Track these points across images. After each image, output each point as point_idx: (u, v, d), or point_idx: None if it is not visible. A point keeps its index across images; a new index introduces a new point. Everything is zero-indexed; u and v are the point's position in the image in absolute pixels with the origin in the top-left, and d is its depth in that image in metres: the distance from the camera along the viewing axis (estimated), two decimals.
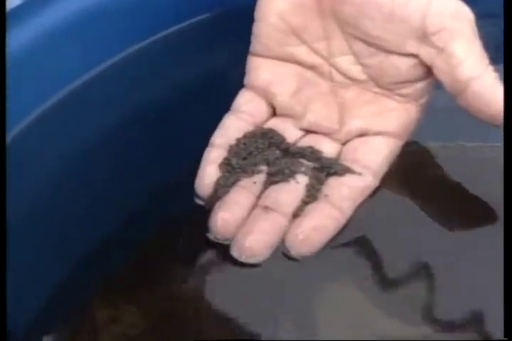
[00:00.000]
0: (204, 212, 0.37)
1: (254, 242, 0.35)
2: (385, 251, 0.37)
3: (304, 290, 0.35)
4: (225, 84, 0.45)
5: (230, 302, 0.35)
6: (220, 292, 0.36)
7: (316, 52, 0.40)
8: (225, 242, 0.36)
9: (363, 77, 0.39)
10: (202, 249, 0.37)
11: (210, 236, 0.37)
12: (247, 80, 0.41)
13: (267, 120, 0.40)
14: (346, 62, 0.39)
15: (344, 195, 0.37)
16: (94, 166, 0.41)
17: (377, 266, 0.36)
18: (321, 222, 0.36)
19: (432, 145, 0.41)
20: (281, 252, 0.36)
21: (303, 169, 0.38)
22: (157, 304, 0.35)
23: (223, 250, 0.36)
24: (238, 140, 0.39)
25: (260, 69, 0.40)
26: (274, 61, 0.40)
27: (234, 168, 0.38)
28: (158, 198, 0.40)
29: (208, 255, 0.37)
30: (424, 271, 0.35)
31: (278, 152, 0.39)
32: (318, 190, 0.37)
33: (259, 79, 0.40)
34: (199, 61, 0.46)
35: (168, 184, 0.40)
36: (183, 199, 0.39)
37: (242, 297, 0.35)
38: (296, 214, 0.36)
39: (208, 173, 0.38)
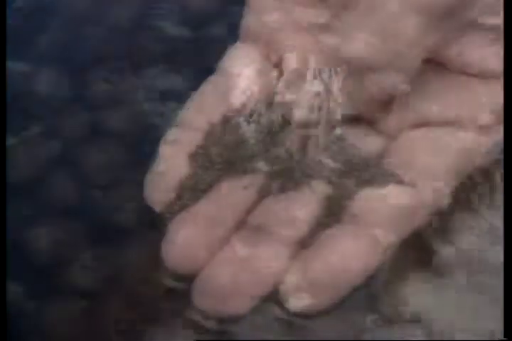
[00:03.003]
0: (157, 229, 0.30)
1: (235, 280, 0.28)
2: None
3: None
4: (207, 33, 0.38)
5: None
6: None
7: None
8: (184, 284, 0.29)
9: None
10: (148, 293, 0.30)
11: (163, 270, 0.29)
12: (244, 27, 0.34)
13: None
14: None
15: (383, 216, 0.30)
16: None
17: None
18: (345, 257, 0.29)
19: None
20: (272, 306, 0.29)
21: (325, 173, 0.31)
22: None
23: (180, 295, 0.29)
24: (225, 118, 0.32)
25: (267, 8, 0.33)
26: None
27: (213, 163, 0.31)
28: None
29: (154, 303, 0.30)
30: None
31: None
32: (344, 207, 0.31)
33: (265, 25, 0.33)
34: None
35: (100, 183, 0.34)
36: (126, 208, 0.32)
37: None
38: (305, 243, 0.30)
39: (170, 166, 0.31)
